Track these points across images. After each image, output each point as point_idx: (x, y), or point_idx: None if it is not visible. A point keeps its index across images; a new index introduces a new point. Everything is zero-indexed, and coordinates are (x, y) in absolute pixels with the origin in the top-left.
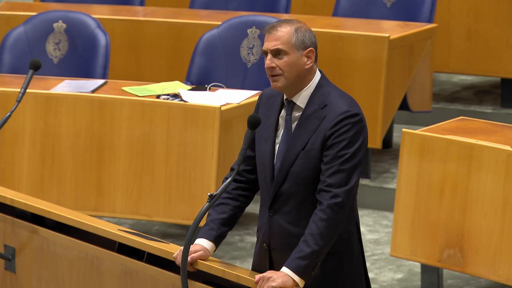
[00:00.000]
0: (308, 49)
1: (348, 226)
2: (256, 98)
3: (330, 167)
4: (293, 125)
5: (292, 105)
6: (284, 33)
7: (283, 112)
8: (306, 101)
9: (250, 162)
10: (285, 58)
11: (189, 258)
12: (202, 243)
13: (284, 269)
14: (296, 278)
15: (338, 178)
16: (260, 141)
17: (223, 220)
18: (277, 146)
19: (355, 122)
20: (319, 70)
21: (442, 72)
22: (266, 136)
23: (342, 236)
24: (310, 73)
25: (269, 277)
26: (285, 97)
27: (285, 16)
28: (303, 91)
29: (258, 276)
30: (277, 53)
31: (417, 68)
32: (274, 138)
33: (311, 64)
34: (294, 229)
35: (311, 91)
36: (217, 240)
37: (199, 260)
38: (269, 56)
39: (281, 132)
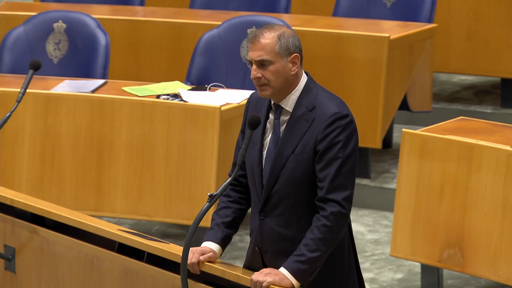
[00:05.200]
0: (293, 55)
1: None
2: None
3: (328, 173)
4: (281, 128)
5: (280, 110)
6: (267, 41)
7: (270, 116)
8: (294, 104)
9: (243, 167)
10: (271, 67)
11: (201, 258)
12: (209, 246)
13: (283, 270)
14: (294, 281)
15: (337, 184)
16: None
17: (227, 223)
18: (265, 151)
19: (346, 123)
20: (305, 72)
21: (442, 72)
22: (255, 140)
23: None
24: (296, 78)
25: (268, 273)
26: (272, 101)
27: (285, 16)
28: (290, 95)
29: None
30: (262, 63)
31: (417, 68)
32: (261, 142)
33: (296, 70)
34: (285, 232)
35: (299, 94)
36: (223, 243)
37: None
38: (254, 66)
39: (268, 136)
